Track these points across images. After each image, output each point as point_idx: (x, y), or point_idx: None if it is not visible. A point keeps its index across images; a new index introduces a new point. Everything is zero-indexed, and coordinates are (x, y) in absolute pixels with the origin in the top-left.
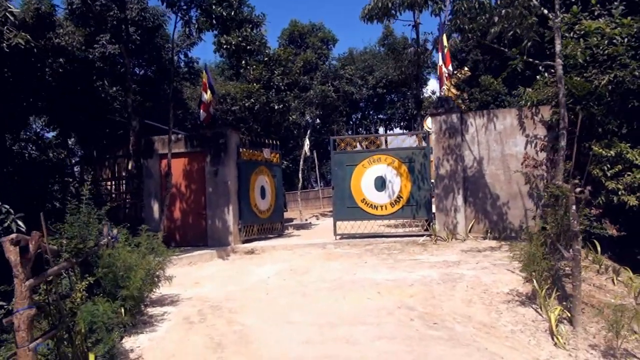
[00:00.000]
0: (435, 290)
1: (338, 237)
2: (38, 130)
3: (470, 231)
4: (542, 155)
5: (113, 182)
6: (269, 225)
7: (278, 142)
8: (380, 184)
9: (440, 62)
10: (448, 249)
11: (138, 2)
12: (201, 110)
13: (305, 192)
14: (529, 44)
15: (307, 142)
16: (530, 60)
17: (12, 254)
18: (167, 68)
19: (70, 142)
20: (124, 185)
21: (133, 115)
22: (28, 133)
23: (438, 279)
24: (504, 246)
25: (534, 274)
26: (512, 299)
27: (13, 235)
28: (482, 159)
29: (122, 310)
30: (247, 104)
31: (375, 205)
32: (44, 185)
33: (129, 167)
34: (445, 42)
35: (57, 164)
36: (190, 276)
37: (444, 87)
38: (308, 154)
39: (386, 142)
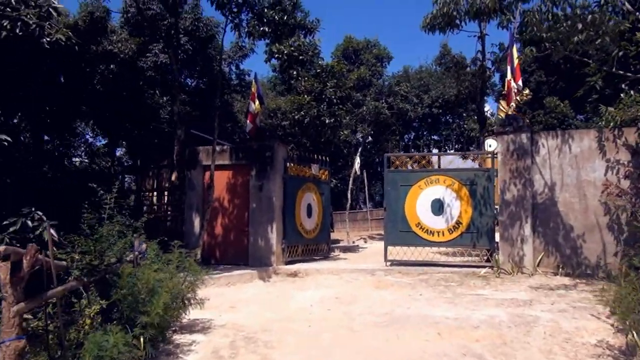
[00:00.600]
0: (506, 335)
1: (388, 263)
2: (88, 138)
3: (538, 265)
4: (625, 184)
5: (155, 194)
6: (314, 246)
7: (327, 159)
8: (438, 207)
9: (509, 76)
10: (514, 285)
11: (192, 11)
12: (248, 121)
13: (353, 212)
14: (620, 53)
15: (357, 160)
16: (619, 72)
17: (1, 271)
18: (220, 81)
19: (119, 153)
20: (166, 197)
21: (179, 124)
22: (79, 141)
23: (508, 321)
24: (579, 285)
25: (632, 324)
26: (603, 353)
27: (1, 248)
28: (555, 185)
29: (142, 339)
30: (296, 117)
31: (431, 231)
32: (86, 194)
33: (172, 178)
34: (515, 54)
35: (101, 173)
36: (226, 298)
37: (512, 104)
38: (358, 173)
39: (438, 162)
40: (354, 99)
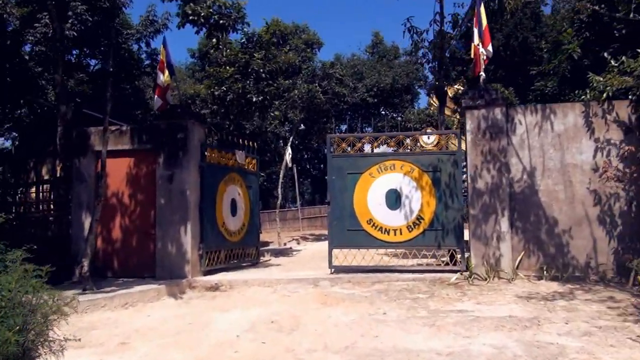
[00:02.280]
0: None
1: (333, 270)
2: None
3: (518, 267)
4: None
5: (33, 188)
6: (240, 251)
7: (256, 145)
8: (394, 199)
9: (476, 41)
10: (497, 294)
11: None
12: (155, 96)
13: (283, 211)
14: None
15: (289, 150)
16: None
17: None
18: (128, 62)
19: None
20: (49, 193)
21: (62, 98)
22: None
23: (525, 354)
24: (576, 292)
25: None
26: None
27: None
28: (535, 170)
29: None
30: (216, 93)
31: (386, 229)
32: None
33: (57, 168)
34: (483, 15)
35: None
36: (119, 327)
37: (481, 73)
38: (290, 164)
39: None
40: (282, 87)
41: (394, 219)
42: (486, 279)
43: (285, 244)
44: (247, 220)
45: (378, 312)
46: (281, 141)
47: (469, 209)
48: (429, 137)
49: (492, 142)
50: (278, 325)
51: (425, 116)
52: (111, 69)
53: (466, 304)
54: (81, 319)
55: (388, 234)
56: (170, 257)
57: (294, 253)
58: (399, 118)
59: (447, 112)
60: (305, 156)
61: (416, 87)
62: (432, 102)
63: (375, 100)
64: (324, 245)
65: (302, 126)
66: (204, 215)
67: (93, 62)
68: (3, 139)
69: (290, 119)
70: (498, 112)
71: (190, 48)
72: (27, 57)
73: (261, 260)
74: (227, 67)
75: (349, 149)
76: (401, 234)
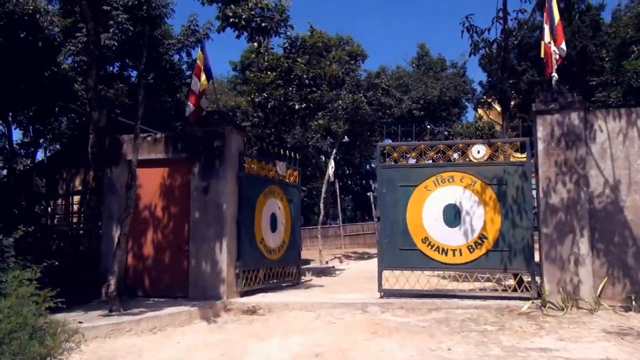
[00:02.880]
0: None
1: (383, 293)
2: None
3: (600, 295)
4: None
5: (63, 200)
6: (279, 270)
7: (298, 156)
8: (453, 215)
9: (547, 39)
10: (579, 328)
11: None
12: (189, 103)
13: (324, 228)
14: None
15: (332, 163)
16: None
17: None
18: (169, 72)
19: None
20: (80, 205)
21: (95, 103)
22: None
23: None
24: None
25: None
26: None
27: None
28: (619, 183)
29: None
30: (257, 99)
31: (444, 249)
32: None
33: (88, 178)
34: (555, 10)
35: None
36: (142, 358)
37: (553, 74)
38: (332, 178)
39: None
40: (325, 99)
41: (453, 237)
42: (563, 309)
43: (327, 262)
44: (288, 237)
45: (441, 348)
46: (322, 156)
47: (541, 228)
48: (478, 152)
49: (568, 151)
50: (323, 359)
51: (475, 129)
52: (144, 71)
53: (546, 340)
54: (103, 345)
55: (446, 254)
56: (204, 275)
57: (337, 273)
58: (446, 132)
59: (497, 126)
60: (347, 171)
61: (464, 101)
62: (481, 114)
63: (422, 113)
64: (369, 264)
65: (346, 138)
66: (242, 231)
67: (134, 73)
68: (41, 150)
69: (334, 131)
70: (575, 117)
71: (232, 60)
72: (66, 67)
73: (302, 280)
74: (269, 73)
75: (399, 160)
76: (461, 254)
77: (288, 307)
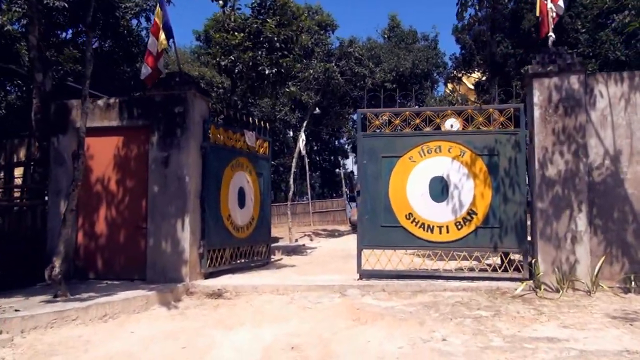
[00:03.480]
0: None
1: (362, 275)
2: None
3: (597, 276)
4: None
5: (5, 173)
6: (248, 249)
7: (267, 125)
8: (440, 189)
9: None
10: (581, 312)
11: None
12: (145, 64)
13: (292, 205)
14: None
15: (302, 137)
16: None
17: None
18: (126, 39)
19: None
20: (24, 178)
21: (37, 65)
22: None
23: None
24: None
25: None
26: None
27: None
28: (620, 154)
29: None
30: (223, 63)
31: (429, 226)
32: None
33: (34, 148)
34: None
35: None
36: (89, 354)
37: (550, 33)
38: (303, 152)
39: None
40: (303, 45)
41: (440, 213)
42: (558, 291)
43: (296, 240)
44: (257, 213)
45: (434, 338)
46: (290, 130)
47: (535, 203)
48: (451, 126)
49: (566, 118)
50: (301, 354)
51: (448, 103)
52: (91, 25)
53: (549, 328)
54: (42, 337)
55: (432, 231)
56: (164, 256)
57: (309, 251)
58: (417, 106)
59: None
60: (315, 147)
61: (435, 75)
62: (453, 88)
63: (394, 85)
64: (341, 242)
65: (317, 110)
66: (206, 207)
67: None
68: None
69: (305, 102)
70: (575, 81)
71: (196, 30)
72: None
73: (272, 260)
74: (236, 34)
75: (382, 129)
76: (448, 232)
77: (258, 290)
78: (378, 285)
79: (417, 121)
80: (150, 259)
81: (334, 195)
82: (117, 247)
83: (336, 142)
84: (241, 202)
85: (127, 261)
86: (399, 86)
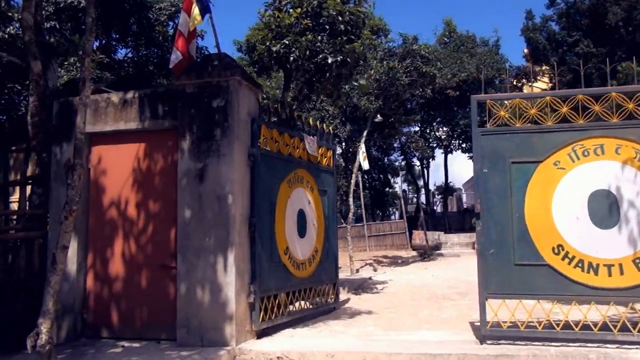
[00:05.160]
0: None
1: (488, 336)
2: None
3: None
4: None
5: None
6: (310, 291)
7: (332, 130)
8: (607, 210)
9: None
10: None
11: None
12: (175, 48)
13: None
14: None
15: (362, 148)
16: None
17: None
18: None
19: None
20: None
21: (34, 50)
22: None
23: None
24: None
25: None
26: None
27: None
28: None
29: None
30: (275, 48)
31: (591, 264)
32: None
33: (33, 161)
34: None
35: None
36: None
37: None
38: (365, 166)
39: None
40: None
41: (608, 245)
42: None
43: (357, 271)
44: (321, 244)
45: None
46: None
47: None
48: None
49: None
50: None
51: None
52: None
53: None
54: None
55: (596, 272)
56: (201, 308)
57: (380, 287)
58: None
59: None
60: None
61: (497, 82)
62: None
63: (457, 93)
64: (413, 274)
65: (379, 117)
66: (257, 237)
67: (121, 51)
68: None
69: (363, 107)
70: None
71: (237, 40)
72: None
73: (340, 304)
74: (291, 10)
75: (509, 123)
76: (622, 273)
77: (334, 358)
78: (520, 355)
79: (564, 109)
80: (181, 312)
81: (386, 216)
82: (138, 295)
83: (386, 159)
84: (301, 230)
85: (151, 315)
86: (461, 93)
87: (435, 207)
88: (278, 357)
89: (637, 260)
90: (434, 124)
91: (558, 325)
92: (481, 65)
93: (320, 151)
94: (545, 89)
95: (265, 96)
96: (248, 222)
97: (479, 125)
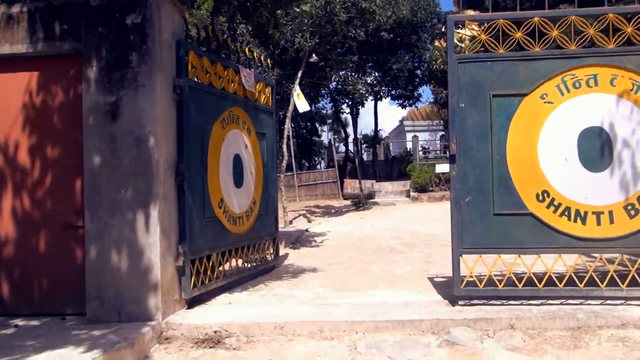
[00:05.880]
0: None
1: (463, 296)
2: None
3: None
4: None
5: None
6: (248, 248)
7: (270, 62)
8: (599, 150)
9: None
10: None
11: None
12: None
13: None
14: None
15: (297, 90)
16: None
17: None
18: None
19: None
20: None
21: None
22: None
23: None
24: None
25: None
26: None
27: None
28: None
29: None
30: None
31: (578, 212)
32: None
33: None
34: None
35: None
36: None
37: None
38: (304, 107)
39: None
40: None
41: (598, 190)
42: None
43: (291, 222)
44: (260, 194)
45: None
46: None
47: None
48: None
49: None
50: None
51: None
52: None
53: None
54: None
55: (584, 221)
56: (117, 275)
57: (319, 240)
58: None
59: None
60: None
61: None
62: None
63: (390, 36)
64: (350, 223)
65: (315, 57)
66: (186, 188)
67: None
68: None
69: (299, 46)
70: None
71: None
72: None
73: (280, 261)
74: None
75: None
76: (612, 221)
77: (285, 331)
78: (501, 317)
79: (554, 33)
80: (91, 281)
81: (314, 165)
82: (36, 261)
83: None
84: (238, 179)
85: (52, 285)
86: (395, 37)
87: (362, 156)
88: (215, 332)
89: (629, 207)
90: (366, 67)
91: (540, 281)
92: (415, 8)
93: (258, 87)
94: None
95: (192, 21)
96: (175, 170)
97: (452, 49)
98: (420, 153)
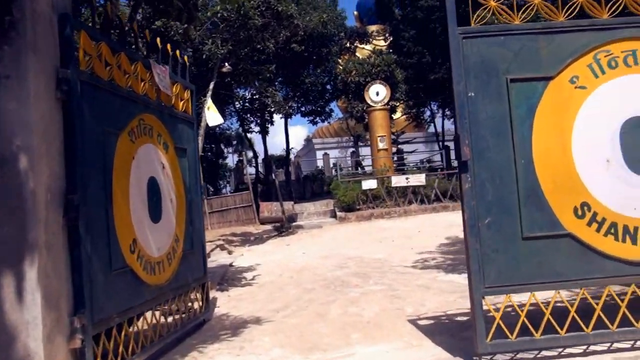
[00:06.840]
0: None
1: (489, 352)
2: None
3: None
4: None
5: None
6: (171, 300)
7: (187, 59)
8: None
9: None
10: None
11: None
12: None
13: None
14: None
15: (209, 102)
16: None
17: None
18: None
19: None
20: None
21: None
22: None
23: None
24: None
25: None
26: None
27: None
28: None
29: None
30: None
31: (627, 229)
32: None
33: None
34: None
35: None
36: None
37: None
38: (216, 121)
39: None
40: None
41: (631, 198)
42: None
43: (209, 256)
44: (183, 229)
45: None
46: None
47: None
48: (377, 93)
49: None
50: None
51: (371, 67)
52: None
53: None
54: None
55: (634, 241)
56: None
57: (249, 276)
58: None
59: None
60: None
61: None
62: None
63: (302, 48)
64: (278, 252)
65: (228, 66)
66: (82, 229)
67: None
68: None
69: (210, 53)
70: None
71: None
72: None
73: (212, 311)
74: None
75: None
76: None
77: None
78: None
79: (581, 0)
80: None
81: (216, 191)
82: None
83: (217, 127)
84: (155, 210)
85: None
86: (306, 49)
87: (275, 176)
88: None
89: None
90: (276, 83)
91: (588, 327)
92: (324, 20)
93: (175, 89)
94: (382, 50)
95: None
96: (64, 202)
97: (454, 25)
98: (343, 171)
